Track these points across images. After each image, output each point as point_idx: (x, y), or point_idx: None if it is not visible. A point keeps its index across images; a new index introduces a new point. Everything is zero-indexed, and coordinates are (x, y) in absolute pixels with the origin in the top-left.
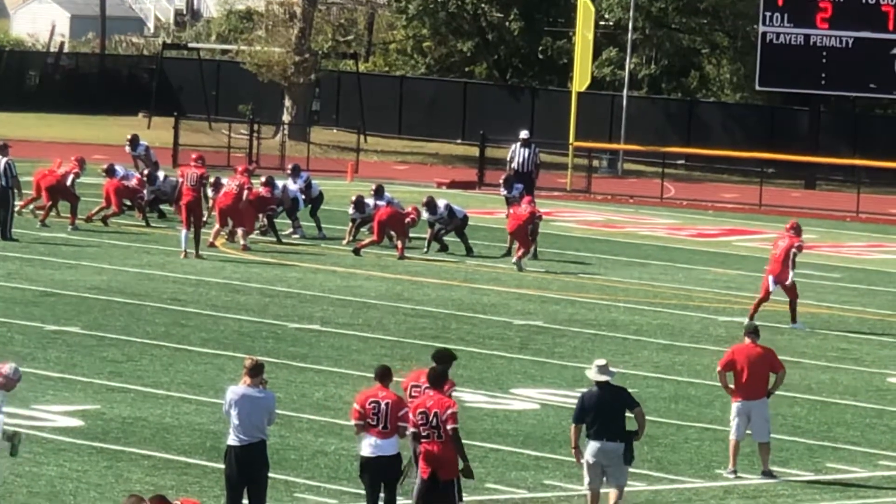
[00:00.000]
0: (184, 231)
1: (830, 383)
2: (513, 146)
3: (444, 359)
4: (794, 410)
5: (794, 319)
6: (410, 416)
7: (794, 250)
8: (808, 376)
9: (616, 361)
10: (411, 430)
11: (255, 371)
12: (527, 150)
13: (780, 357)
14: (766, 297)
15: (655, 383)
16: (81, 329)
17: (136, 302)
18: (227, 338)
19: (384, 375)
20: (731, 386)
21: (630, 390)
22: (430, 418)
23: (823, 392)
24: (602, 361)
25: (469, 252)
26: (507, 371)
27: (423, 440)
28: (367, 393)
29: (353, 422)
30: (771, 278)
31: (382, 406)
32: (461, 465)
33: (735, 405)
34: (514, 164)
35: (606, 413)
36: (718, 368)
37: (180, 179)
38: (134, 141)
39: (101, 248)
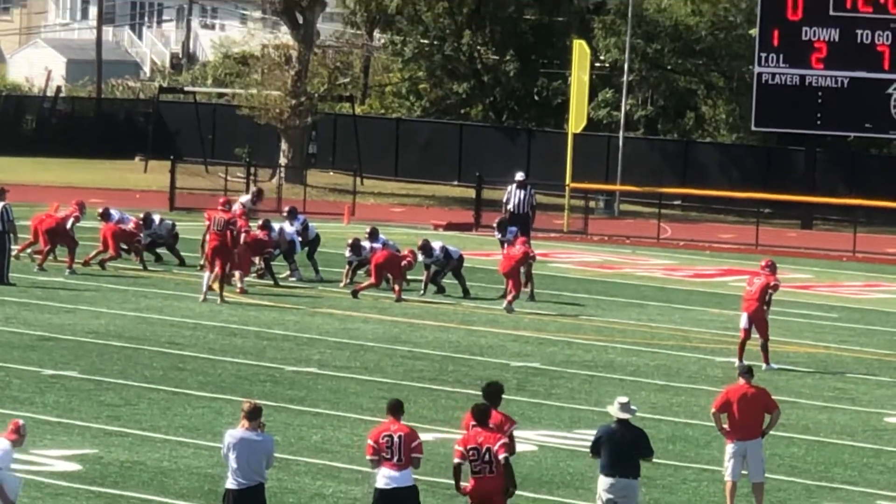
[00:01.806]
0: (207, 274)
1: (827, 423)
2: (508, 188)
3: (492, 395)
4: (791, 451)
5: (766, 361)
6: (459, 448)
7: (770, 290)
8: (805, 416)
9: (611, 402)
10: (457, 460)
11: (253, 414)
12: (523, 192)
13: (776, 397)
14: (747, 336)
15: (652, 424)
16: (79, 373)
17: (134, 346)
18: (225, 381)
19: (396, 409)
20: (726, 427)
21: None
22: (483, 453)
23: (820, 432)
24: (624, 399)
25: (466, 294)
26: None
27: (474, 475)
28: (380, 428)
29: (367, 457)
30: (744, 316)
31: (395, 439)
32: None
33: (730, 446)
34: (510, 206)
35: (623, 451)
36: (713, 409)
37: (207, 223)
38: (147, 220)
39: (99, 292)
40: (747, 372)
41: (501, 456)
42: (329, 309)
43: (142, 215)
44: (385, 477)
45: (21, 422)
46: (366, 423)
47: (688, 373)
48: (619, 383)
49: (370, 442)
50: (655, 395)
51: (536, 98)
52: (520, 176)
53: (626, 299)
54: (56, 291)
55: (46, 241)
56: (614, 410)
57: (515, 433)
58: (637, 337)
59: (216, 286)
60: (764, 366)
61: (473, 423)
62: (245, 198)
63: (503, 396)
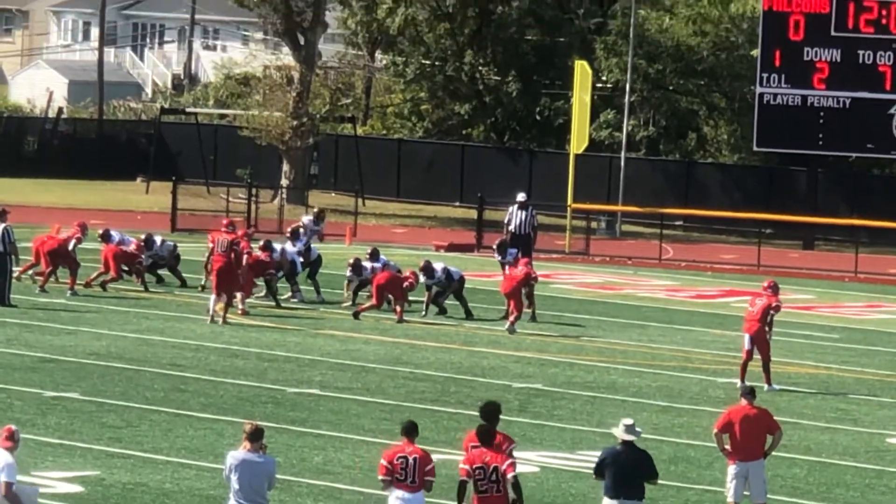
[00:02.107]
0: (213, 297)
1: (829, 444)
2: (510, 209)
3: (490, 415)
4: (793, 472)
5: (768, 381)
6: (465, 467)
7: (771, 311)
8: (807, 437)
9: (615, 424)
10: (463, 478)
11: (255, 436)
12: (524, 213)
13: (778, 418)
14: (750, 357)
15: (654, 445)
16: (81, 395)
17: (136, 367)
18: (227, 403)
19: (411, 431)
20: (728, 447)
21: None
22: (490, 472)
23: (822, 453)
24: (629, 421)
25: (468, 315)
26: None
27: (479, 494)
28: (395, 449)
29: (379, 477)
30: (747, 336)
31: (410, 461)
32: None
33: (731, 467)
34: (511, 227)
35: (627, 473)
36: (715, 430)
37: (210, 245)
38: (148, 241)
39: (100, 314)
40: (749, 393)
41: (510, 475)
42: (331, 330)
43: (143, 237)
44: (398, 499)
45: (13, 427)
46: (367, 445)
47: (690, 394)
48: (621, 404)
49: (384, 462)
50: (657, 416)
51: (538, 118)
52: (521, 197)
53: (627, 320)
54: (57, 313)
55: (48, 262)
56: (619, 432)
57: (517, 454)
58: (639, 358)
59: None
60: (766, 387)
61: (474, 444)
62: (307, 218)
63: (503, 417)
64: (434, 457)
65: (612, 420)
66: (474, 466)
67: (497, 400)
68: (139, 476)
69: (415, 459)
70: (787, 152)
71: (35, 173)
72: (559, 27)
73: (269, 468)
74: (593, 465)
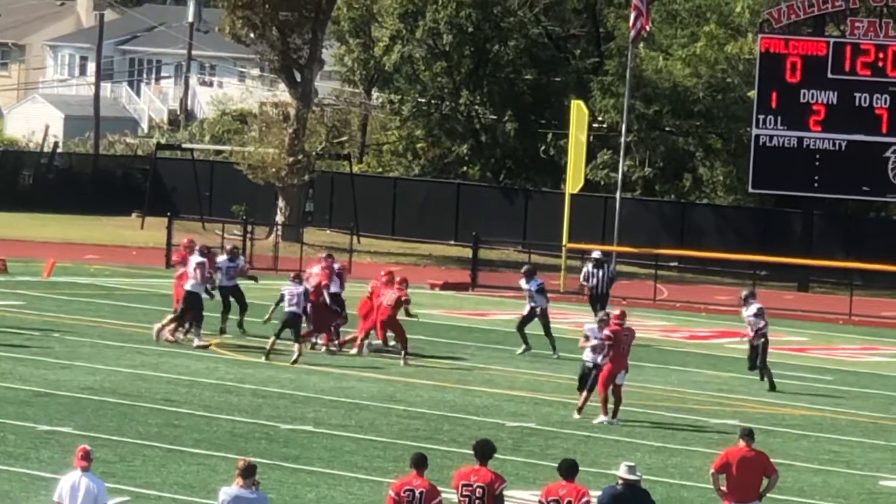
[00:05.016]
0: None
1: (822, 486)
2: (586, 267)
3: (483, 453)
4: None
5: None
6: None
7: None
8: (800, 479)
9: (608, 464)
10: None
11: (248, 472)
12: (601, 272)
13: (771, 459)
14: None
15: (648, 485)
16: (74, 429)
17: (129, 402)
18: (220, 438)
19: (420, 464)
20: (723, 488)
21: None
22: (475, 488)
23: (815, 495)
24: (631, 463)
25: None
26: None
27: None
28: (403, 480)
29: None
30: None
31: (417, 494)
32: None
33: None
34: (590, 286)
35: None
36: (712, 470)
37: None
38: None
39: (95, 349)
40: (748, 434)
41: (498, 487)
42: (325, 367)
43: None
44: None
45: (88, 447)
46: (360, 482)
47: (683, 434)
48: (614, 444)
49: (392, 494)
50: (651, 456)
51: (543, 155)
52: (597, 254)
53: None
54: (52, 348)
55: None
56: (622, 472)
57: (510, 493)
58: (633, 398)
59: (213, 342)
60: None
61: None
62: (221, 258)
63: (497, 455)
64: None
65: (605, 460)
66: (461, 483)
67: (490, 438)
68: None
69: (422, 493)
70: (782, 194)
71: (30, 208)
72: (555, 67)
73: None
74: None
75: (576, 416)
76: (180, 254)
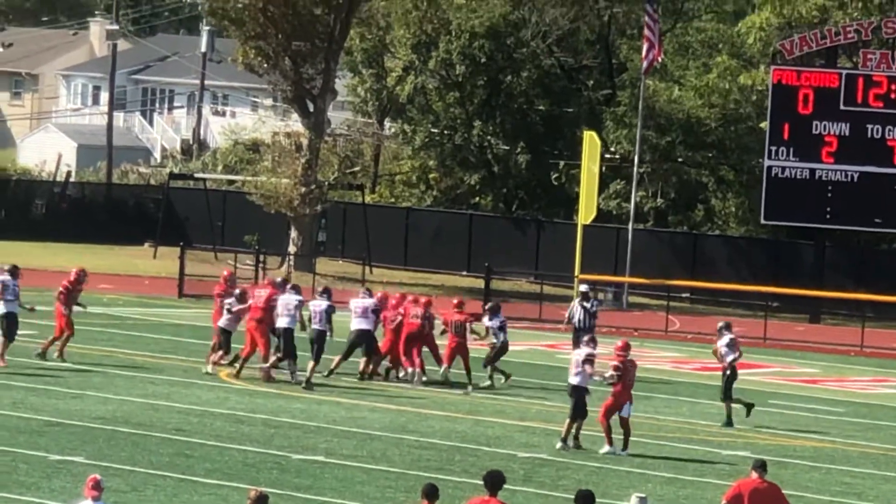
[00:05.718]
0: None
1: None
2: (573, 304)
3: (493, 483)
4: None
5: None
6: None
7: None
8: None
9: (620, 495)
10: None
11: (260, 502)
12: (583, 310)
13: (783, 491)
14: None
15: None
16: (86, 459)
17: (141, 432)
18: (232, 468)
19: (431, 494)
20: None
21: None
22: None
23: None
24: (643, 494)
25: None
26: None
27: None
28: None
29: None
30: None
31: None
32: None
33: None
34: (574, 322)
35: None
36: (723, 501)
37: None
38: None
39: (106, 378)
40: (761, 466)
41: None
42: (336, 397)
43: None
44: None
45: (98, 476)
46: None
47: (694, 466)
48: (626, 475)
49: None
50: (662, 487)
51: (555, 184)
52: (584, 287)
53: (633, 391)
54: (63, 377)
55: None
56: (633, 503)
57: None
58: (644, 429)
59: (223, 373)
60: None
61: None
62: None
63: (508, 486)
64: None
65: (617, 491)
66: None
67: (501, 469)
68: None
69: None
70: (794, 225)
71: (43, 237)
72: (568, 98)
73: None
74: None
75: (558, 444)
76: (221, 286)
